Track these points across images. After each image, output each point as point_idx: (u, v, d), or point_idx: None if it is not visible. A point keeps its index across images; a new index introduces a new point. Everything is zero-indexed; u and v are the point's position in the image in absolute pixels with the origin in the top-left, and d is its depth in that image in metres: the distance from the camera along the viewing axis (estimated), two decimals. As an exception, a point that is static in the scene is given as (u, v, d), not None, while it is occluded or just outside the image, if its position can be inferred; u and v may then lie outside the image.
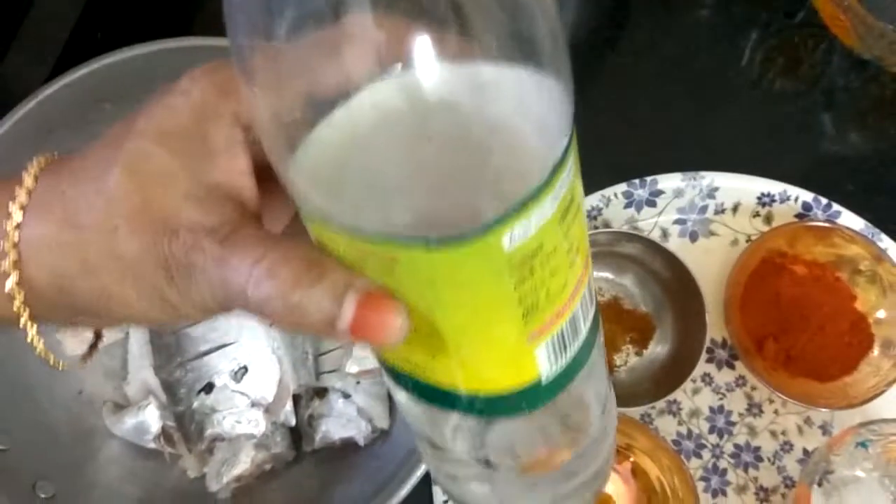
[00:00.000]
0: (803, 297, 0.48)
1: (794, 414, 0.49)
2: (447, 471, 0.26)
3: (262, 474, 0.46)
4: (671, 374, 0.47)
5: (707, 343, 0.49)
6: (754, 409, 0.49)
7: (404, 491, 0.39)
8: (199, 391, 0.43)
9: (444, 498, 0.46)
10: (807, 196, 0.51)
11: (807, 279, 0.49)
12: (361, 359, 0.45)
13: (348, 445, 0.45)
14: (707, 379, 0.49)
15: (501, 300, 0.19)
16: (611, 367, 0.49)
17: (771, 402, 0.49)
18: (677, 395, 0.49)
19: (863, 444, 0.47)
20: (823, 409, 0.48)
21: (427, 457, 0.26)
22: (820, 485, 0.47)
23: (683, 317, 0.48)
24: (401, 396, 0.24)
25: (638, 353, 0.50)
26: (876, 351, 0.48)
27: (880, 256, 0.48)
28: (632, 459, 0.45)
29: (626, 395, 0.47)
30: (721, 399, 0.49)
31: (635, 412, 0.48)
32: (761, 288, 0.49)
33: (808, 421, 0.49)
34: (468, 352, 0.20)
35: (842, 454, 0.47)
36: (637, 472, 0.46)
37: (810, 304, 0.48)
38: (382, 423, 0.45)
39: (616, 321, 0.50)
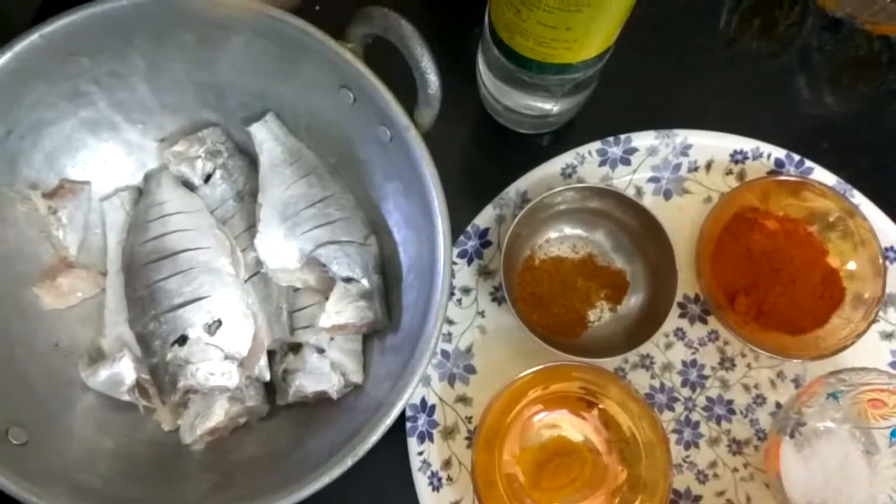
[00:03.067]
0: (775, 251, 0.49)
1: (766, 368, 0.49)
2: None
3: (236, 428, 0.46)
4: (644, 328, 0.47)
5: (679, 298, 0.50)
6: (727, 363, 0.49)
7: (374, 437, 0.40)
8: (173, 343, 0.43)
9: (420, 449, 0.47)
10: (779, 153, 0.51)
11: (778, 233, 0.49)
12: (336, 313, 0.45)
13: (322, 399, 0.46)
14: (680, 334, 0.50)
15: None
16: (585, 323, 0.50)
17: (743, 356, 0.49)
18: (650, 349, 0.49)
19: (834, 396, 0.47)
20: (796, 362, 0.49)
21: None
22: (792, 436, 0.47)
23: (655, 270, 0.48)
24: None
25: (612, 310, 0.50)
26: (847, 304, 0.48)
27: (852, 211, 0.49)
28: (601, 406, 0.46)
29: (600, 348, 0.48)
30: (694, 353, 0.49)
31: (609, 365, 0.48)
32: (733, 243, 0.49)
33: (780, 375, 0.49)
34: None
35: (813, 406, 0.48)
36: (609, 423, 0.46)
37: (782, 257, 0.49)
38: (356, 377, 0.45)
39: (591, 278, 0.50)
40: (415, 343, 0.42)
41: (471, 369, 0.49)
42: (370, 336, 0.47)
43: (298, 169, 0.47)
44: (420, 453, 0.46)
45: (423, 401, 0.47)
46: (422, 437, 0.47)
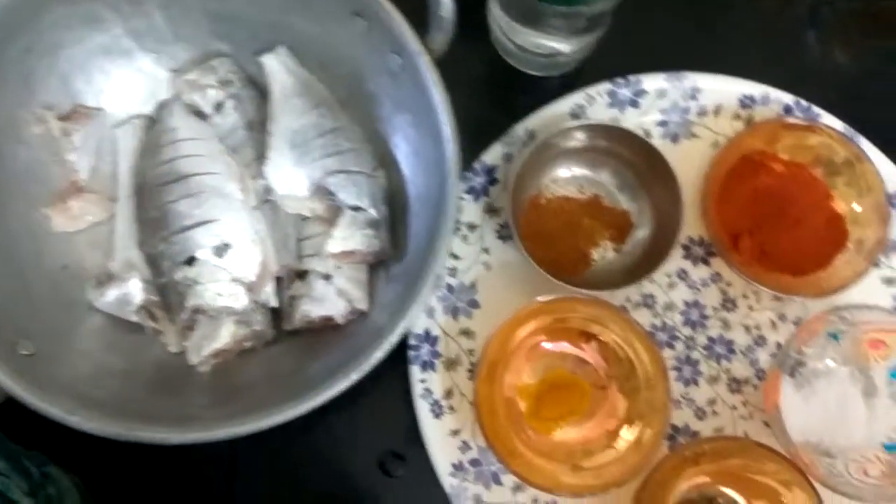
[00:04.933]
0: (780, 193, 0.49)
1: (768, 310, 0.50)
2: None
3: (242, 352, 0.47)
4: (646, 265, 0.47)
5: (684, 240, 0.51)
6: (728, 304, 0.50)
7: (375, 357, 0.40)
8: (182, 263, 0.44)
9: (422, 377, 0.47)
10: (788, 98, 0.51)
11: (784, 176, 0.49)
12: (343, 239, 0.46)
13: (326, 326, 0.46)
14: (683, 274, 0.50)
15: None
16: (588, 262, 0.50)
17: (745, 297, 0.50)
18: (653, 289, 0.50)
19: (834, 336, 0.48)
20: (797, 305, 0.49)
21: None
22: (792, 375, 0.48)
23: (660, 209, 0.49)
24: None
25: (616, 249, 0.50)
26: (851, 248, 0.49)
27: (860, 156, 0.49)
28: (602, 339, 0.46)
29: (603, 285, 0.48)
30: (696, 294, 0.50)
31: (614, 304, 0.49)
32: (738, 184, 0.49)
33: (781, 317, 0.49)
34: None
35: (813, 346, 0.48)
36: (610, 356, 0.47)
37: (787, 199, 0.49)
38: (361, 304, 0.46)
39: (596, 218, 0.50)
40: (418, 272, 0.42)
41: (474, 304, 0.49)
42: (376, 266, 0.48)
43: (309, 100, 0.48)
44: (423, 381, 0.47)
45: (427, 331, 0.48)
46: (424, 366, 0.47)
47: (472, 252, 0.50)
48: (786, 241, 0.48)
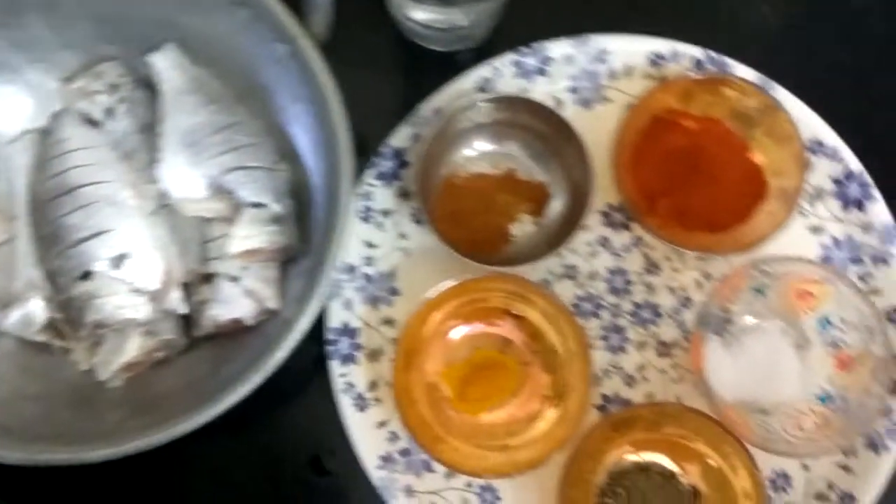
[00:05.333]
0: (693, 151, 0.48)
1: (692, 270, 0.49)
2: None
3: (156, 363, 0.45)
4: (563, 233, 0.46)
5: (603, 207, 0.49)
6: (652, 267, 0.49)
7: (278, 356, 0.40)
8: (78, 278, 0.43)
9: (342, 371, 0.46)
10: (698, 52, 0.50)
11: (697, 133, 0.48)
12: (244, 238, 0.44)
13: (239, 329, 0.45)
14: (604, 242, 0.49)
15: None
16: (507, 238, 0.49)
17: (668, 259, 0.49)
18: (574, 259, 0.49)
19: (759, 291, 0.47)
20: (721, 262, 0.48)
21: None
22: (720, 335, 0.47)
23: (573, 175, 0.47)
24: None
25: (535, 223, 0.49)
26: (772, 199, 0.48)
27: (774, 106, 0.48)
28: (520, 315, 0.45)
29: (524, 258, 0.47)
30: (618, 260, 0.49)
31: (534, 277, 0.48)
32: (652, 146, 0.48)
33: (707, 275, 0.48)
34: None
35: (739, 303, 0.47)
36: (533, 333, 0.46)
37: (701, 156, 0.48)
38: (272, 303, 0.45)
39: (512, 192, 0.49)
40: (321, 266, 0.41)
41: (394, 291, 0.48)
42: (288, 262, 0.47)
43: (201, 97, 0.46)
44: (343, 375, 0.46)
45: (345, 324, 0.47)
46: (345, 360, 0.46)
47: (388, 239, 0.49)
48: (703, 199, 0.47)
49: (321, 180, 0.45)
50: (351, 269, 0.47)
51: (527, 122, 0.48)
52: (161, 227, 0.45)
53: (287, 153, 0.47)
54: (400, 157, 0.49)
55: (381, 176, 0.49)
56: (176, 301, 0.44)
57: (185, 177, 0.44)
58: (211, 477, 0.48)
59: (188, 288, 0.46)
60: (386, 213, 0.49)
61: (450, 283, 0.44)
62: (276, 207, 0.45)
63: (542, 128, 0.47)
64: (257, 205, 0.44)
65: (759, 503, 0.42)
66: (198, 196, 0.45)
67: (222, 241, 0.45)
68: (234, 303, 0.44)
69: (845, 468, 0.46)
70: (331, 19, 0.41)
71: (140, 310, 0.43)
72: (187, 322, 0.46)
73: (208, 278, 0.45)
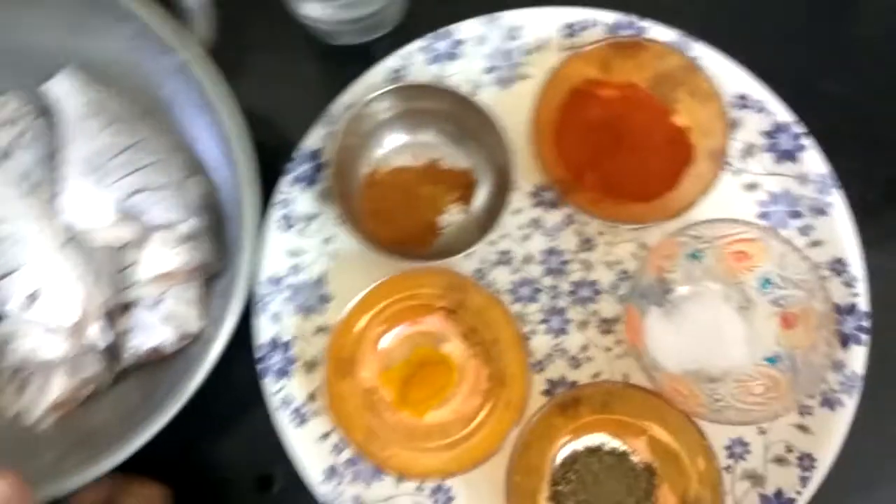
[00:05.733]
0: (615, 120, 0.46)
1: (627, 242, 0.47)
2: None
3: (86, 399, 0.44)
4: (492, 217, 0.45)
5: (531, 187, 0.48)
6: (586, 244, 0.47)
7: (196, 380, 0.38)
8: (-10, 322, 0.41)
9: (276, 388, 0.45)
10: (610, 18, 0.48)
11: (617, 101, 0.46)
12: (154, 262, 0.43)
13: (166, 356, 0.43)
14: (536, 223, 0.47)
15: None
16: (436, 231, 0.47)
17: (602, 234, 0.47)
18: (508, 244, 0.47)
19: (695, 256, 0.46)
20: (656, 232, 0.46)
21: None
22: (660, 305, 0.45)
23: (494, 157, 0.46)
24: None
25: (464, 211, 0.48)
26: (700, 161, 0.46)
27: (693, 66, 0.46)
28: (451, 309, 0.44)
29: (456, 251, 0.45)
30: (552, 241, 0.47)
31: (468, 267, 0.46)
32: (572, 119, 0.46)
33: (642, 246, 0.47)
34: None
35: (676, 271, 0.46)
36: (471, 326, 0.44)
37: (623, 125, 0.46)
38: (193, 325, 0.43)
39: (436, 182, 0.48)
40: (234, 282, 0.40)
41: (326, 298, 0.46)
42: (213, 279, 0.45)
43: (102, 119, 0.44)
44: (278, 391, 0.44)
45: (275, 339, 0.45)
46: (279, 375, 0.45)
47: (314, 244, 0.47)
48: (629, 168, 0.46)
49: (231, 193, 0.44)
50: (276, 281, 0.46)
51: (439, 108, 0.46)
52: (73, 259, 0.43)
53: (198, 167, 0.45)
54: (317, 158, 0.47)
55: (299, 180, 0.47)
56: (95, 335, 0.43)
57: (91, 204, 0.43)
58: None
59: (111, 319, 0.44)
60: (309, 218, 0.47)
61: (370, 287, 0.43)
62: (185, 227, 0.43)
63: (456, 112, 0.46)
64: (166, 225, 0.43)
65: (712, 476, 0.41)
66: (105, 223, 0.43)
67: (134, 267, 0.44)
68: (152, 330, 0.42)
69: (802, 428, 0.45)
70: (212, 21, 0.40)
71: (58, 348, 0.41)
72: (113, 354, 0.45)
73: (126, 307, 0.44)
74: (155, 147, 0.45)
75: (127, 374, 0.45)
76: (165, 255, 0.42)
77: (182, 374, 0.40)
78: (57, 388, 0.42)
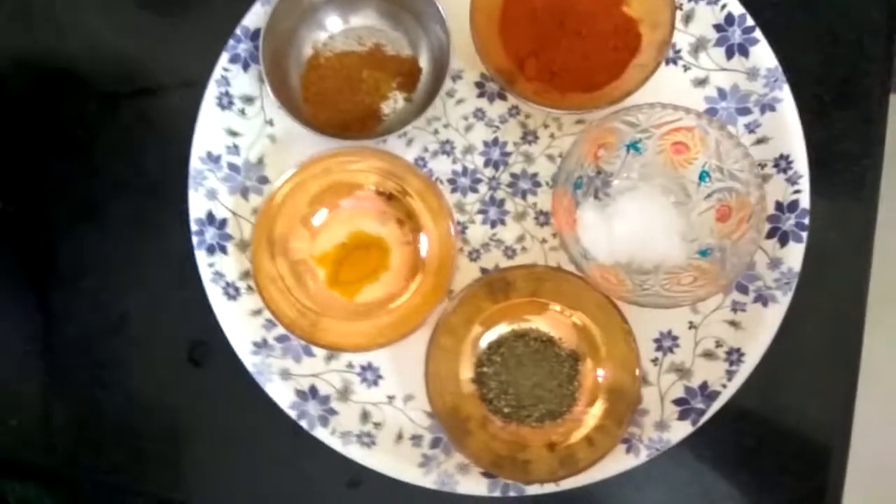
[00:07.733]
0: (561, 5, 0.45)
1: (570, 135, 0.47)
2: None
3: None
4: (429, 100, 0.44)
5: (476, 77, 0.47)
6: (529, 136, 0.47)
7: None
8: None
9: (210, 261, 0.45)
10: None
11: (564, -14, 0.45)
12: None
13: None
14: (479, 114, 0.47)
15: None
16: (379, 117, 0.47)
17: (546, 126, 0.47)
18: (449, 134, 0.47)
19: (634, 147, 0.45)
20: (596, 117, 0.46)
21: None
22: (597, 197, 0.45)
23: (437, 46, 0.45)
24: None
25: (407, 99, 0.47)
26: (645, 52, 0.45)
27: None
28: (391, 193, 0.44)
29: (393, 130, 0.45)
30: (495, 132, 0.47)
31: (410, 155, 0.46)
32: (517, 6, 0.45)
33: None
34: None
35: (614, 162, 0.45)
36: (409, 211, 0.44)
37: (569, 11, 0.45)
38: None
39: (379, 68, 0.47)
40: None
41: (264, 180, 0.46)
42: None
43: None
44: (211, 265, 0.45)
45: (210, 214, 0.45)
46: (211, 250, 0.45)
47: (254, 126, 0.47)
48: (574, 56, 0.44)
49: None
50: (215, 159, 0.46)
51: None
52: None
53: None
54: (256, 38, 0.46)
55: (236, 59, 0.46)
56: None
57: None
58: (91, 378, 0.47)
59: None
60: (248, 99, 0.47)
61: (302, 162, 0.43)
62: None
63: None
64: None
65: (630, 360, 0.41)
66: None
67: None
68: None
69: (733, 324, 0.45)
70: None
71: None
72: None
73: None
74: None
75: None
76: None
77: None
78: None
